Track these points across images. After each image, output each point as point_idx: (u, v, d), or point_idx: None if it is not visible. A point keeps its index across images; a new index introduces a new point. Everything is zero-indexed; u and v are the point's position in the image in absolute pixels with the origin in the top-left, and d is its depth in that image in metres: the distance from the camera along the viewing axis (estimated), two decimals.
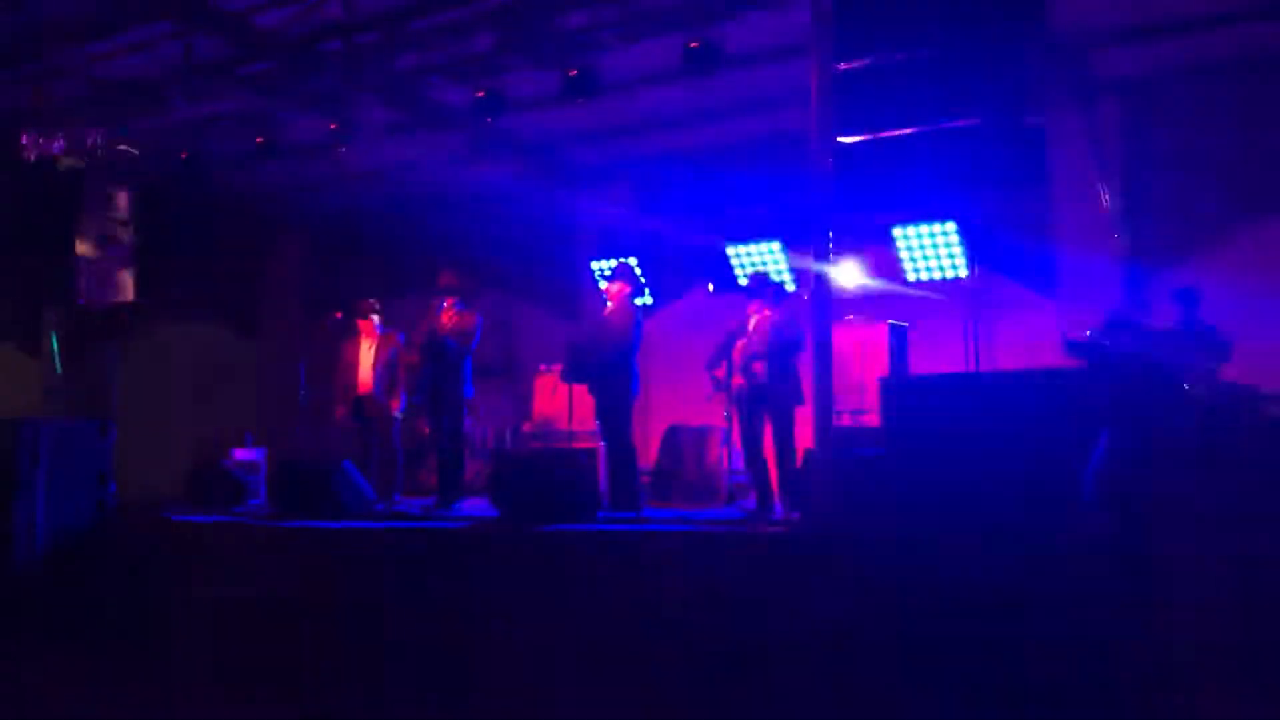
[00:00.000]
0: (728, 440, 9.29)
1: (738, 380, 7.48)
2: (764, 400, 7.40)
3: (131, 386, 14.97)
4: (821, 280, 6.09)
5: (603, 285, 11.13)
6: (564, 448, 8.95)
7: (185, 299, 14.67)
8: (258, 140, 9.19)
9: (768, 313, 7.61)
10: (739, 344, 7.57)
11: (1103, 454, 4.02)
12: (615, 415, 8.01)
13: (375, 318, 9.10)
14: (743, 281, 10.98)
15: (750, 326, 7.67)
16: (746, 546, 5.63)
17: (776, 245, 10.68)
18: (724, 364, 7.53)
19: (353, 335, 9.18)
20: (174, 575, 7.73)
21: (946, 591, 4.92)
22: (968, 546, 4.83)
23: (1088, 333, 4.03)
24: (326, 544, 6.83)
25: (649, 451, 9.93)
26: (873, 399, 8.53)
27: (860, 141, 5.94)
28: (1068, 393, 4.19)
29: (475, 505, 8.70)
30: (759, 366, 7.39)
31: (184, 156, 9.50)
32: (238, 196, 13.72)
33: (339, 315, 9.29)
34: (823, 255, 6.10)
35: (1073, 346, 4.41)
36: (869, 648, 5.11)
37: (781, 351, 7.39)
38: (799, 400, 7.40)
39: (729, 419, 7.56)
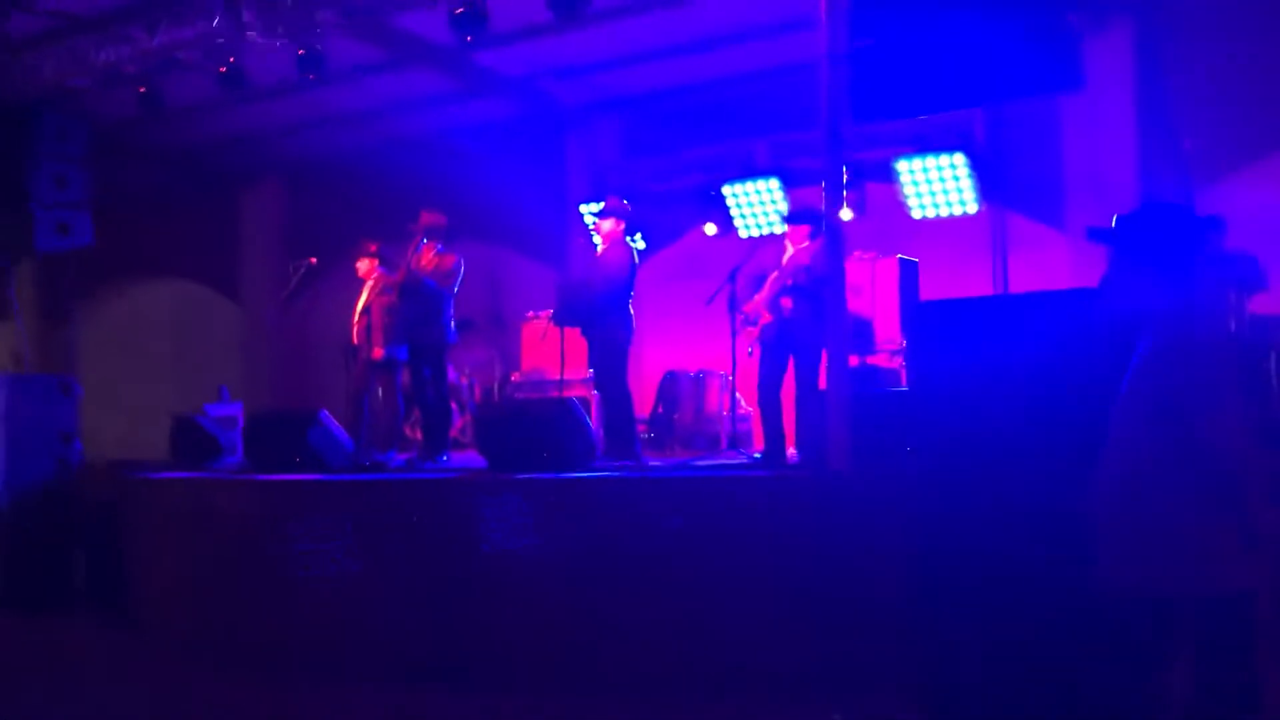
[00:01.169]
0: (728, 386, 8.83)
1: (765, 318, 6.97)
2: (791, 339, 6.91)
3: (108, 345, 14.52)
4: (833, 208, 5.58)
5: (593, 223, 10.62)
6: (556, 396, 8.46)
7: (159, 253, 14.19)
8: (220, 70, 8.55)
9: (806, 244, 7.09)
10: (769, 278, 7.06)
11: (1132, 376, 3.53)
12: (609, 360, 7.54)
13: (367, 261, 8.56)
14: (739, 222, 10.48)
15: (784, 259, 7.15)
16: (763, 492, 5.18)
17: (775, 183, 10.14)
18: (753, 299, 7.02)
19: (352, 280, 8.71)
20: (139, 534, 7.26)
21: (982, 533, 4.48)
22: (1006, 484, 4.38)
23: (1113, 220, 3.55)
24: (301, 498, 6.36)
25: (643, 400, 9.46)
26: (882, 338, 8.06)
27: (872, 46, 5.41)
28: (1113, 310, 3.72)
29: (462, 459, 8.24)
30: (788, 302, 6.87)
31: (142, 91, 8.87)
32: (209, 143, 13.14)
33: (313, 260, 8.77)
34: (835, 181, 5.59)
35: (1094, 233, 3.89)
36: (898, 590, 4.68)
37: (818, 288, 6.89)
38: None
39: (751, 355, 7.02)
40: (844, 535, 5.04)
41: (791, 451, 7.12)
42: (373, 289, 8.45)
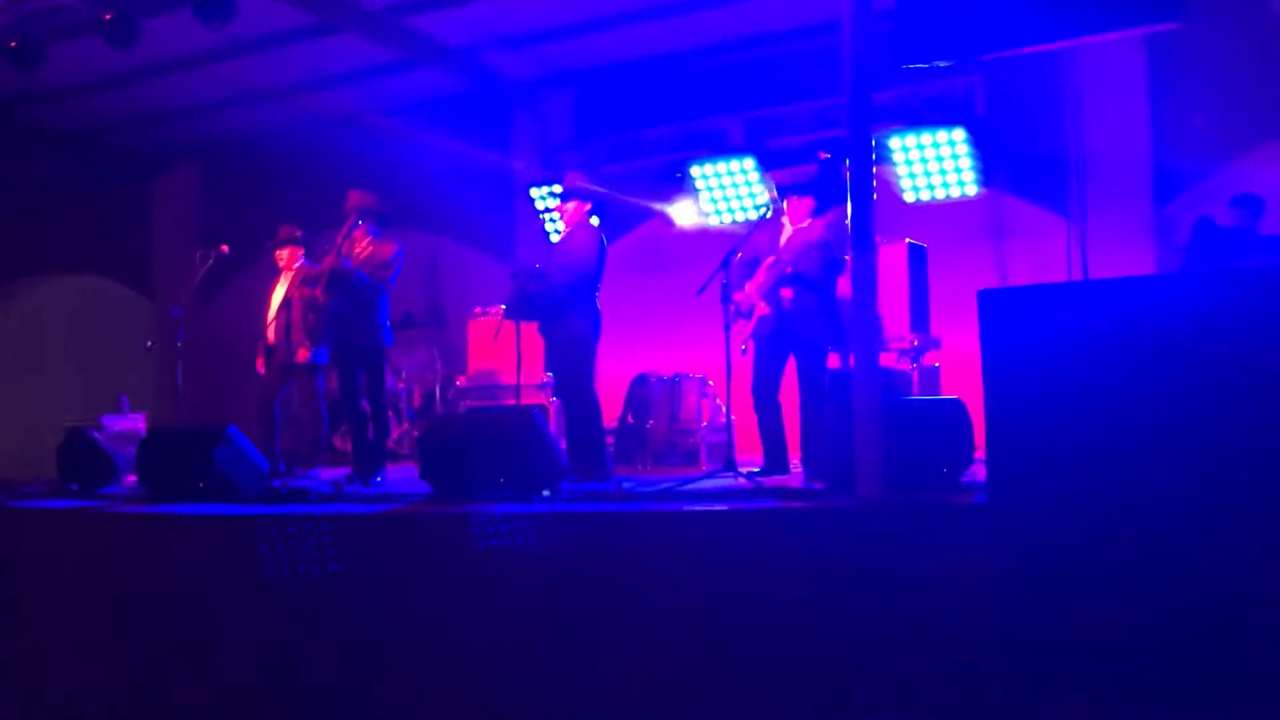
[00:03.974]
0: (707, 391, 7.79)
1: (761, 309, 5.98)
2: (792, 334, 5.92)
3: (5, 348, 13.26)
4: (861, 175, 4.56)
5: (552, 205, 9.56)
6: (511, 405, 7.36)
7: (63, 246, 12.91)
8: (106, 18, 7.28)
9: (808, 222, 6.10)
10: (765, 263, 6.06)
11: None
12: (573, 361, 6.45)
13: (289, 250, 7.48)
14: (709, 206, 9.44)
15: (781, 241, 6.15)
16: (790, 526, 4.13)
17: (750, 162, 9.12)
18: (744, 288, 6.05)
19: (275, 273, 7.62)
20: (11, 576, 6.01)
21: (1074, 587, 3.48)
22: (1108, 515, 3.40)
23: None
24: (203, 536, 5.18)
25: (609, 408, 8.38)
26: (890, 334, 7.05)
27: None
28: None
29: (400, 478, 7.11)
30: (789, 292, 5.88)
31: (13, 45, 7.56)
32: (116, 124, 11.82)
33: (225, 249, 7.60)
34: (864, 144, 4.57)
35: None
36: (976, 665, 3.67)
37: (824, 274, 5.90)
38: (838, 338, 5.95)
39: (745, 353, 6.05)
40: (883, 581, 4.02)
41: (794, 464, 6.15)
42: (293, 280, 7.34)
